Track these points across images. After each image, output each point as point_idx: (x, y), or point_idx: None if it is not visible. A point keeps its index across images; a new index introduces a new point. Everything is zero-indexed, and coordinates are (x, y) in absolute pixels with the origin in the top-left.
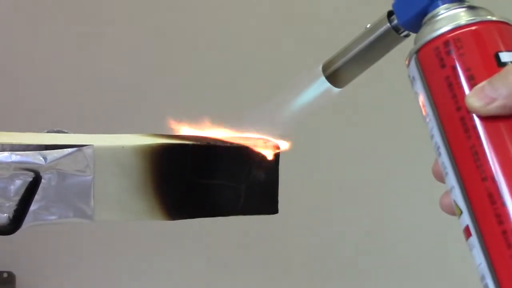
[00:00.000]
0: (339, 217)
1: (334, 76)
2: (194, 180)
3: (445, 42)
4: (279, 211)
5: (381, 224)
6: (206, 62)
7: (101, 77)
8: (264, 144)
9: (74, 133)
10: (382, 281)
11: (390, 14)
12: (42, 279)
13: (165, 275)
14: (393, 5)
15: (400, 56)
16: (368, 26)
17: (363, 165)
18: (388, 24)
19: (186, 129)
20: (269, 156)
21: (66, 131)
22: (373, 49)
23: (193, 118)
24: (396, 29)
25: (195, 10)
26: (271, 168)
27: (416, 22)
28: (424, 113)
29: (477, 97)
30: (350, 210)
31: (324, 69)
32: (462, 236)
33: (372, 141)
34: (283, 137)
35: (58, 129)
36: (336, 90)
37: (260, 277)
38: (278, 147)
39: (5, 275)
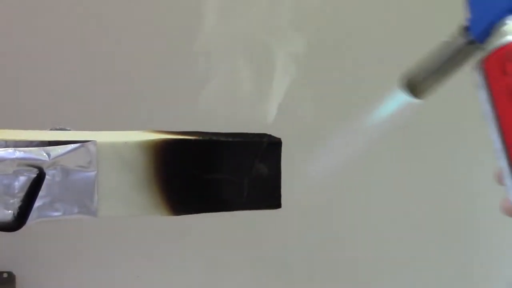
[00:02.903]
0: (339, 217)
1: (417, 88)
2: (197, 175)
3: (509, 51)
4: (280, 210)
5: (381, 224)
6: (206, 62)
7: (101, 77)
8: (265, 139)
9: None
10: (382, 281)
11: (464, 28)
12: (42, 279)
13: (165, 275)
14: (468, 21)
15: None
16: (445, 41)
17: (363, 164)
18: (463, 39)
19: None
20: (271, 151)
21: (69, 129)
22: (452, 62)
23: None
24: (471, 42)
25: (194, 10)
26: (273, 162)
27: (488, 34)
28: (486, 117)
29: None
30: (350, 210)
31: (406, 82)
32: (460, 234)
33: (374, 139)
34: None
35: (61, 127)
36: (417, 101)
37: (260, 277)
38: (279, 142)
39: (5, 275)
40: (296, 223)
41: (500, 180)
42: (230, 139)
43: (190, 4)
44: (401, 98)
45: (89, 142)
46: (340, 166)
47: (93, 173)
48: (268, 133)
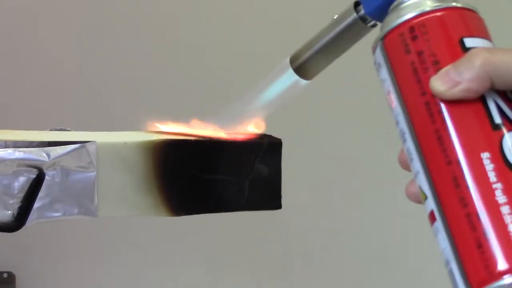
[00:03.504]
0: (339, 217)
1: (302, 68)
2: (197, 175)
3: (410, 28)
4: (280, 210)
5: (381, 224)
6: (205, 62)
7: (102, 77)
8: (266, 140)
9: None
10: (382, 281)
11: (356, 4)
12: (42, 279)
13: (165, 275)
14: None
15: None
16: (335, 17)
17: (363, 164)
18: (355, 14)
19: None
20: (272, 150)
21: (68, 129)
22: (340, 40)
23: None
24: (363, 19)
25: (192, 10)
26: (274, 163)
27: (383, 11)
28: (389, 100)
29: (442, 81)
30: (351, 210)
31: (292, 61)
32: None
33: (373, 139)
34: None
35: (61, 127)
36: (304, 82)
37: (260, 277)
38: (280, 143)
39: (5, 275)
40: (296, 223)
41: (403, 164)
42: (230, 140)
43: (185, 4)
44: (289, 78)
45: (89, 143)
46: (340, 166)
47: (93, 174)
48: (268, 133)
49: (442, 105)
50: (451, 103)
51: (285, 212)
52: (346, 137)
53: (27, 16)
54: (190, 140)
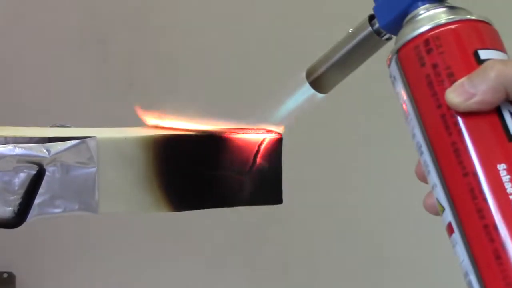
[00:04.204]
0: (339, 217)
1: (318, 82)
2: (198, 171)
3: (425, 41)
4: (280, 210)
5: (382, 224)
6: (205, 60)
7: (101, 74)
8: (267, 134)
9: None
10: (382, 281)
11: (371, 17)
12: (42, 279)
13: (165, 275)
14: (374, 9)
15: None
16: (350, 31)
17: (364, 163)
18: (370, 28)
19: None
20: (272, 146)
21: (69, 125)
22: (355, 54)
23: (192, 114)
24: (377, 32)
25: (194, 9)
26: (274, 158)
27: (397, 24)
28: (405, 112)
29: (457, 93)
30: (351, 210)
31: (308, 75)
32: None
33: (373, 139)
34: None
35: (61, 123)
36: (320, 95)
37: (261, 277)
38: (280, 138)
39: (5, 275)
40: (296, 223)
41: (421, 177)
42: (231, 135)
43: (186, 4)
44: (306, 92)
45: (89, 138)
46: (340, 166)
47: (93, 170)
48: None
49: (458, 117)
50: (467, 115)
51: (285, 211)
52: (347, 136)
53: (27, 16)
54: (191, 136)
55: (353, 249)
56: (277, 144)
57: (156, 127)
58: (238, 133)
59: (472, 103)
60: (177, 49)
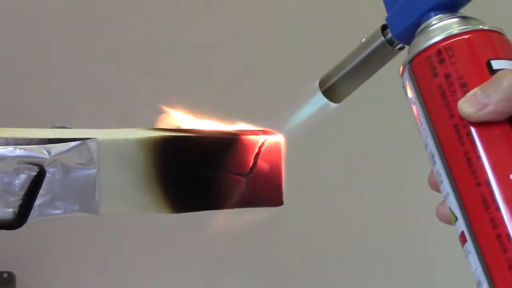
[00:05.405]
0: (340, 217)
1: (331, 91)
2: (199, 172)
3: (438, 51)
4: (280, 211)
5: (382, 224)
6: (206, 60)
7: (101, 75)
8: (268, 135)
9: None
10: (383, 282)
11: (384, 27)
12: (42, 279)
13: (165, 275)
14: (387, 19)
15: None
16: (363, 41)
17: (364, 164)
18: (382, 37)
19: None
20: (273, 147)
21: (69, 126)
22: (368, 63)
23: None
24: (390, 42)
25: (197, 9)
26: (275, 159)
27: (410, 34)
28: (418, 122)
29: (469, 103)
30: (352, 210)
31: (321, 85)
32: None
33: (373, 141)
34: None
35: (61, 124)
36: (333, 105)
37: (261, 277)
38: (282, 139)
39: (5, 275)
40: (297, 223)
41: (433, 186)
42: (231, 136)
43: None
44: (319, 101)
45: (89, 140)
46: (340, 165)
47: (93, 171)
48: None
49: (471, 128)
50: (480, 125)
51: (285, 212)
52: (348, 136)
53: (27, 16)
54: (191, 137)
55: (354, 250)
56: (278, 146)
57: (157, 128)
58: (238, 134)
59: (484, 113)
60: (176, 47)
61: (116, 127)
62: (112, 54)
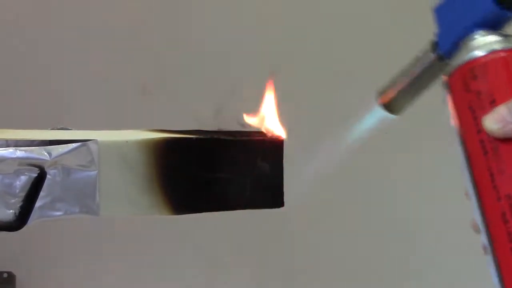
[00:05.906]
0: (340, 217)
1: (390, 105)
2: (199, 174)
3: (472, 68)
4: (280, 211)
5: (383, 224)
6: (206, 60)
7: (102, 76)
8: (268, 137)
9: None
10: (383, 282)
11: (434, 44)
12: (42, 279)
13: (165, 275)
14: (438, 36)
15: None
16: (416, 55)
17: (367, 165)
18: (433, 54)
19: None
20: (274, 149)
21: (70, 128)
22: (422, 79)
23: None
24: (440, 58)
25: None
26: (276, 161)
27: (456, 50)
28: (454, 136)
29: (494, 120)
30: (352, 210)
31: (380, 99)
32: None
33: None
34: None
35: (62, 126)
36: (392, 116)
37: (261, 277)
38: (282, 140)
39: (5, 275)
40: (297, 223)
41: (467, 195)
42: (232, 138)
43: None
44: (378, 114)
45: (90, 141)
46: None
47: (94, 173)
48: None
49: (495, 143)
50: (504, 141)
51: (286, 212)
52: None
53: (27, 16)
54: (192, 138)
55: (354, 250)
56: (279, 147)
57: (158, 130)
58: (239, 136)
59: (508, 130)
60: (176, 47)
61: (117, 128)
62: (113, 55)
